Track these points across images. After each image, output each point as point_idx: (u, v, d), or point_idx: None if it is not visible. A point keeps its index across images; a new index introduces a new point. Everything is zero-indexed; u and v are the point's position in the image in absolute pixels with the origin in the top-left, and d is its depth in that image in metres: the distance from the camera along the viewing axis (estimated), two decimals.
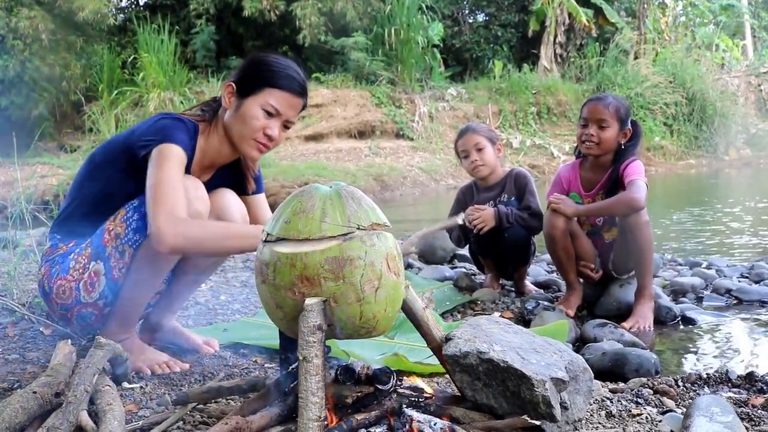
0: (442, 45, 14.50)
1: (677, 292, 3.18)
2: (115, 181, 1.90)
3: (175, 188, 1.73)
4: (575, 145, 3.02)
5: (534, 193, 3.11)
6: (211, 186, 1.98)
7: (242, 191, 2.12)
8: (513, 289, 3.24)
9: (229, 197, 2.01)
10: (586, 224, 2.96)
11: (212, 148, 1.98)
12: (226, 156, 2.01)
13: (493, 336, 1.43)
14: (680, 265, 3.93)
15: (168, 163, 1.77)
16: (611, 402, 1.68)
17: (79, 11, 10.33)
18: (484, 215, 3.03)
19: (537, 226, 3.05)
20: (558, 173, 3.03)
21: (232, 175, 2.10)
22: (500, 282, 3.25)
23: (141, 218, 1.82)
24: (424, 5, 13.66)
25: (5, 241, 3.34)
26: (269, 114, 1.89)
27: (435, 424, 1.31)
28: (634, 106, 13.59)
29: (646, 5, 16.03)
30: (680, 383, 1.88)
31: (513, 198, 3.12)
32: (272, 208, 1.78)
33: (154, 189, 1.73)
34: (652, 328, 2.67)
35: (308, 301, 1.24)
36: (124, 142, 1.91)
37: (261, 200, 2.21)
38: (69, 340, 1.80)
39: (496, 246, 3.08)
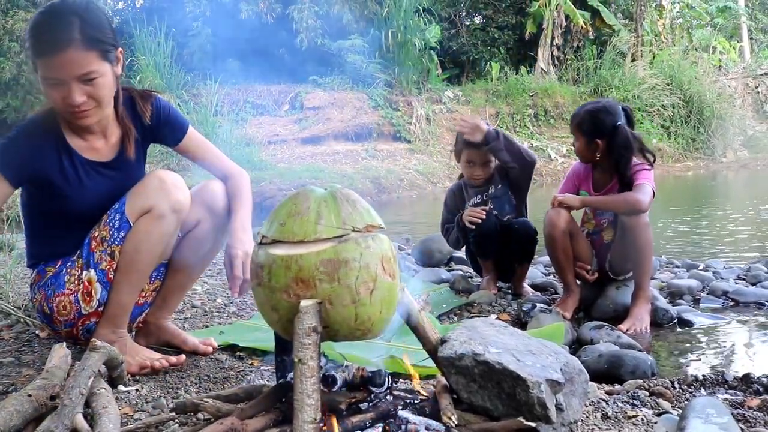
0: (439, 47, 14.49)
1: (674, 294, 3.18)
2: (36, 198, 1.92)
3: None
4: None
5: None
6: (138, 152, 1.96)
7: (172, 142, 2.03)
8: (510, 291, 3.24)
9: (216, 188, 2.03)
10: (589, 224, 2.97)
11: (75, 124, 1.85)
12: (91, 123, 1.84)
13: (489, 338, 1.43)
14: (677, 267, 3.93)
15: None
16: (607, 404, 1.68)
17: None
18: (470, 123, 3.06)
19: (526, 159, 3.08)
20: (573, 168, 3.07)
21: (142, 134, 1.99)
22: (497, 284, 3.25)
23: (121, 216, 1.86)
24: (420, 8, 13.65)
25: (1, 244, 3.33)
26: (54, 85, 1.71)
27: (431, 427, 1.31)
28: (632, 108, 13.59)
29: (643, 7, 16.02)
30: (676, 385, 1.88)
31: (500, 186, 3.17)
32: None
33: None
34: (648, 330, 2.68)
35: (303, 303, 1.24)
36: None
37: (193, 140, 2.06)
38: (64, 343, 1.80)
39: (499, 242, 3.07)
